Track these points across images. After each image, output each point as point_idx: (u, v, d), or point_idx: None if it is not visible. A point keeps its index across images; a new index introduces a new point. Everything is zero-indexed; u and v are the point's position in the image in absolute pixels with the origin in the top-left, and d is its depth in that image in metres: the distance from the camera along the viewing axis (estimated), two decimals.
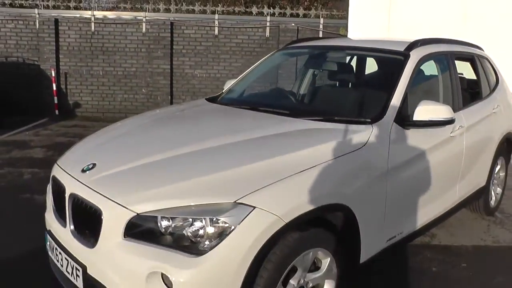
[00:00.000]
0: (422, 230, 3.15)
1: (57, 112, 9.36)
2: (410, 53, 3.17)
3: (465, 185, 3.59)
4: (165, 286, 1.88)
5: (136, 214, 1.96)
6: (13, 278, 3.03)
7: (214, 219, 1.90)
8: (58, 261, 2.35)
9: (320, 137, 2.50)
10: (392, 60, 3.22)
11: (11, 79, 9.10)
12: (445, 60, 3.59)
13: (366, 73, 3.76)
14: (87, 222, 2.18)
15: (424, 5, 8.64)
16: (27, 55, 9.45)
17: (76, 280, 2.17)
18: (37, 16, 9.30)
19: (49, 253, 2.50)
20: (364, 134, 2.60)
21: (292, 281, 2.18)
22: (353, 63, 4.01)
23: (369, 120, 2.73)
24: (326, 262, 2.33)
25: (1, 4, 10.20)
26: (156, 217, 1.96)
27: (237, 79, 4.01)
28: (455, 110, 3.14)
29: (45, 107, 9.39)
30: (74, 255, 2.19)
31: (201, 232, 1.90)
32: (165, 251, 1.90)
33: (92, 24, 9.35)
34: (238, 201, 1.93)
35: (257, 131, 2.60)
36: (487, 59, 4.34)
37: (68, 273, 2.24)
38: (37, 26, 9.32)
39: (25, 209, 4.28)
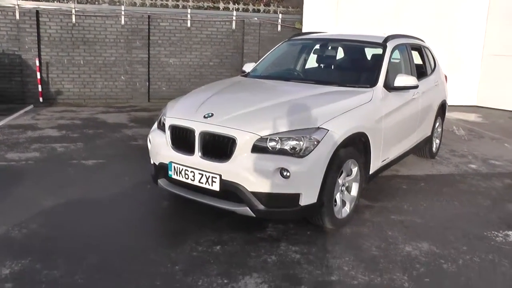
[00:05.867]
0: (397, 159, 4.79)
1: (41, 99, 10.04)
2: (387, 44, 4.77)
3: (420, 132, 5.31)
4: (281, 177, 3.28)
5: (260, 136, 3.34)
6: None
7: (308, 137, 3.33)
8: (188, 178, 3.61)
9: (348, 94, 4.04)
10: (377, 49, 4.80)
11: None
12: (405, 49, 5.24)
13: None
14: (215, 148, 3.48)
15: (365, 4, 10.46)
16: (6, 45, 9.96)
17: (212, 185, 3.46)
18: (17, 7, 9.84)
19: (175, 176, 3.71)
20: (369, 94, 4.16)
21: (340, 180, 3.68)
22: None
23: (369, 86, 4.29)
24: (355, 170, 3.85)
25: None
26: (266, 138, 3.34)
27: (257, 62, 5.40)
28: None
29: (29, 95, 10.04)
30: (208, 170, 3.48)
31: (301, 145, 3.32)
32: (281, 156, 3.30)
33: (73, 17, 10.11)
34: (320, 126, 3.40)
35: (308, 91, 4.10)
36: (428, 48, 6.09)
37: (202, 183, 3.52)
38: (17, 17, 9.87)
39: (78, 170, 5.37)
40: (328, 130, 3.42)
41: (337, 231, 3.70)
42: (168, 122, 3.87)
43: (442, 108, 6.17)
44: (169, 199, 4.36)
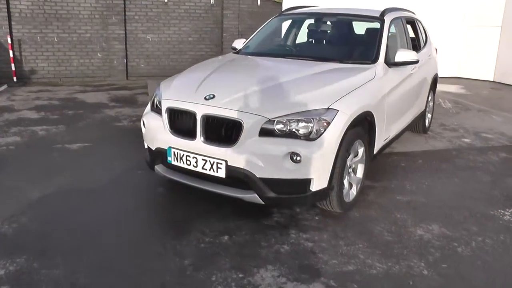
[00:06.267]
0: (396, 136, 4.69)
1: (15, 79, 9.53)
2: (384, 17, 4.60)
3: (416, 108, 5.23)
4: (292, 161, 3.12)
5: (267, 119, 3.15)
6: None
7: (318, 118, 3.17)
8: (190, 164, 3.41)
9: (351, 71, 3.87)
10: (374, 23, 4.62)
11: None
12: (401, 23, 5.09)
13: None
14: (218, 132, 3.28)
15: None
16: None
17: (217, 172, 3.27)
18: None
19: (174, 162, 3.50)
20: (372, 70, 4.00)
21: (348, 162, 3.54)
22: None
23: (370, 62, 4.14)
24: (361, 150, 3.72)
25: None
26: (274, 120, 3.15)
27: (248, 39, 5.15)
28: None
29: (2, 75, 9.49)
30: (212, 155, 3.28)
31: (310, 127, 3.15)
32: (291, 140, 3.13)
33: None
34: (330, 107, 3.24)
35: (309, 69, 3.90)
36: (420, 21, 5.95)
37: (206, 169, 3.32)
38: None
39: (63, 155, 5.10)
40: (338, 111, 3.26)
41: (345, 214, 3.60)
42: (164, 104, 3.64)
43: (434, 82, 6.10)
44: (164, 185, 4.16)
